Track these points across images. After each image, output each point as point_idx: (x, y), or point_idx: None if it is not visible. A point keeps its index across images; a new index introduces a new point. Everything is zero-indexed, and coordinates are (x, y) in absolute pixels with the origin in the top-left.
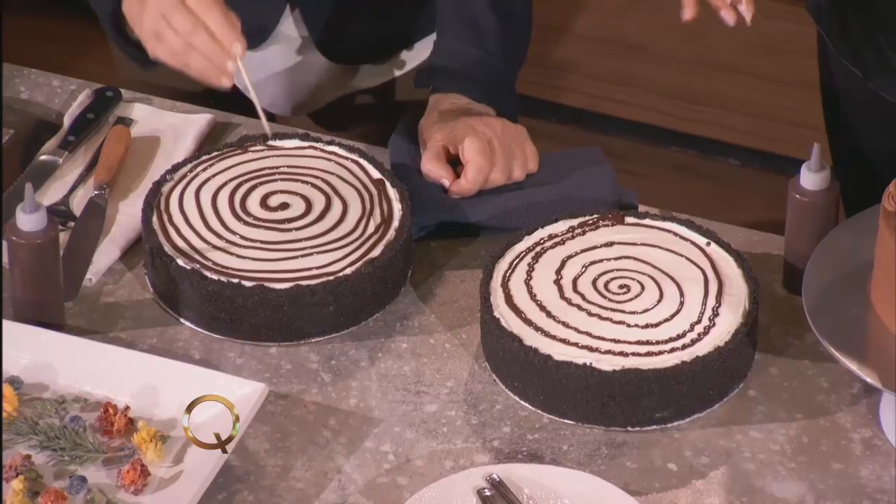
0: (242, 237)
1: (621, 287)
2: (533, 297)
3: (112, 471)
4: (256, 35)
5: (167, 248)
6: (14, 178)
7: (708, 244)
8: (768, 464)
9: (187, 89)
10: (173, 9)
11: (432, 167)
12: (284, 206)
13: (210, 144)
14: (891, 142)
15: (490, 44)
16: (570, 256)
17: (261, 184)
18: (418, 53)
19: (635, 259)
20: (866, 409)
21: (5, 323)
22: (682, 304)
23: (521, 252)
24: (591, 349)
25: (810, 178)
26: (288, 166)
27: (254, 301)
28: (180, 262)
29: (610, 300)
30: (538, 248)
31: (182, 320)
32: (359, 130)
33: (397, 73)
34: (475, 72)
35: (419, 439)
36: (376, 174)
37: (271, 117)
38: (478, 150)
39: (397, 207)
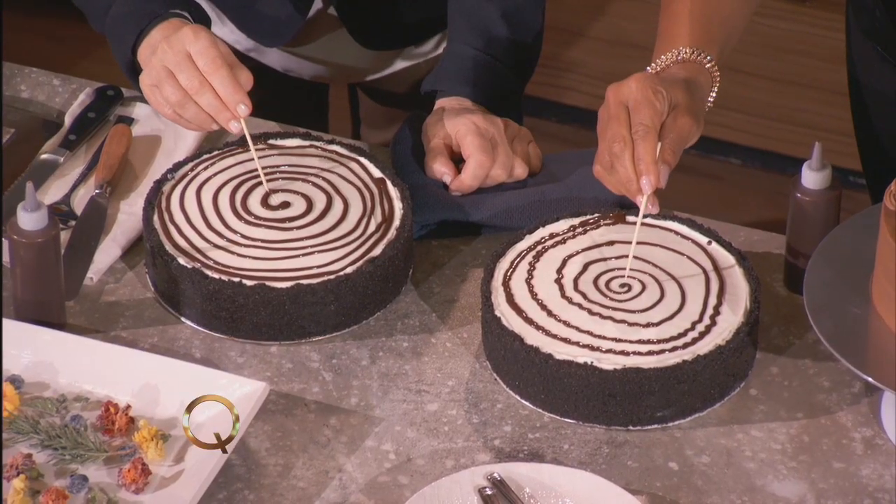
0: (243, 236)
1: (622, 286)
2: (534, 296)
3: (113, 470)
4: (289, 23)
5: (168, 246)
6: (15, 177)
7: (709, 243)
8: (769, 463)
9: None
10: (180, 66)
11: (435, 164)
12: (285, 204)
13: (211, 143)
14: None
15: (499, 52)
16: (571, 255)
17: (262, 183)
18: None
19: (636, 258)
20: (867, 408)
21: (6, 322)
22: (683, 302)
23: (523, 251)
24: (592, 348)
25: (811, 178)
26: (289, 165)
27: (255, 300)
28: (181, 260)
29: (611, 299)
30: (539, 247)
31: (183, 319)
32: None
33: (429, 56)
34: (482, 77)
35: (420, 438)
36: (377, 173)
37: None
38: (479, 147)
39: (398, 206)
